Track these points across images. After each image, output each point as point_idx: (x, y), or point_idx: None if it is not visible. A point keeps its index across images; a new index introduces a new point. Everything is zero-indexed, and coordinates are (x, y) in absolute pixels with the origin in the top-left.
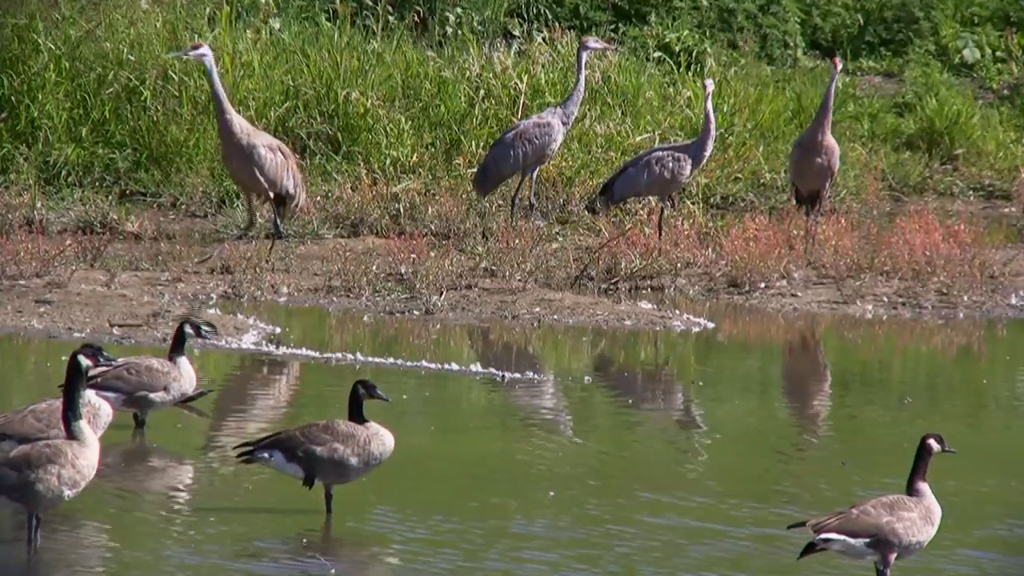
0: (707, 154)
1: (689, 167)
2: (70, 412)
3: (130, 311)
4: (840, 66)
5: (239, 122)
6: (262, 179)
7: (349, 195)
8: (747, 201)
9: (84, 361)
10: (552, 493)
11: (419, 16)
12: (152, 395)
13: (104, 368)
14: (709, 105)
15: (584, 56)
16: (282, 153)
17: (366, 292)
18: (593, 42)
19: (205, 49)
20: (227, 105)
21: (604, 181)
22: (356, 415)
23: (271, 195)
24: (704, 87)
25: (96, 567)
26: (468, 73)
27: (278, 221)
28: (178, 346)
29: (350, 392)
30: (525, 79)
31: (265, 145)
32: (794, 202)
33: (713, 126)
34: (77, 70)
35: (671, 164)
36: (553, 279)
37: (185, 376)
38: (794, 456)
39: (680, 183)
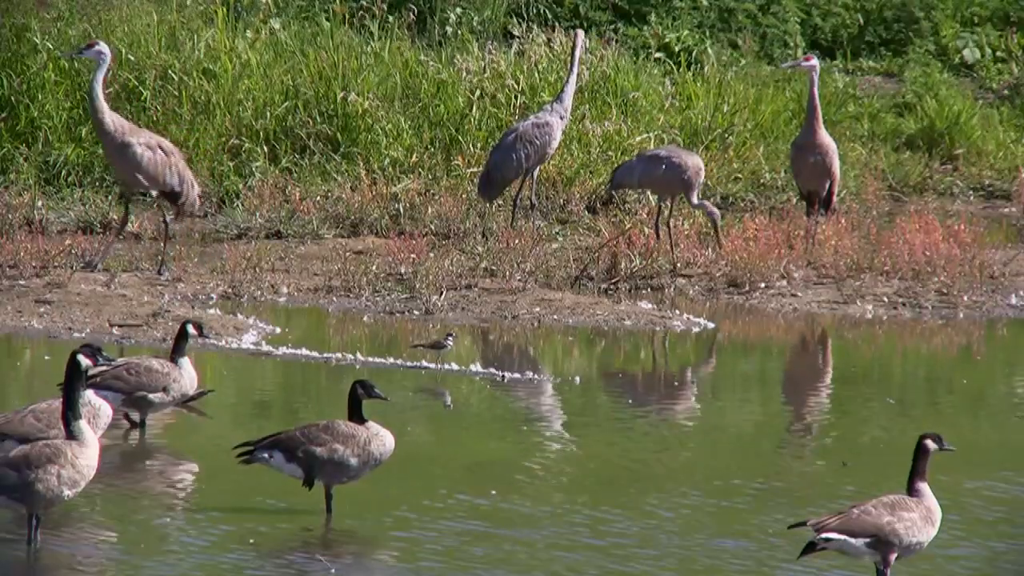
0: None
1: (681, 176)
2: (70, 412)
3: (130, 311)
4: (810, 62)
5: (112, 119)
6: (141, 177)
7: (349, 195)
8: (747, 201)
9: (84, 361)
10: (493, 492)
11: (414, 15)
12: (152, 395)
13: (103, 368)
14: (695, 201)
15: (579, 45)
16: (163, 150)
17: (366, 292)
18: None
19: (102, 46)
20: (101, 103)
21: (613, 170)
22: (355, 415)
23: (154, 193)
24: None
25: (96, 567)
26: (466, 73)
27: (168, 219)
28: (180, 346)
29: (349, 392)
30: (523, 79)
31: (142, 143)
32: (796, 200)
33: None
34: (76, 70)
35: (665, 165)
36: (553, 279)
37: (186, 377)
38: (794, 456)
39: (671, 184)
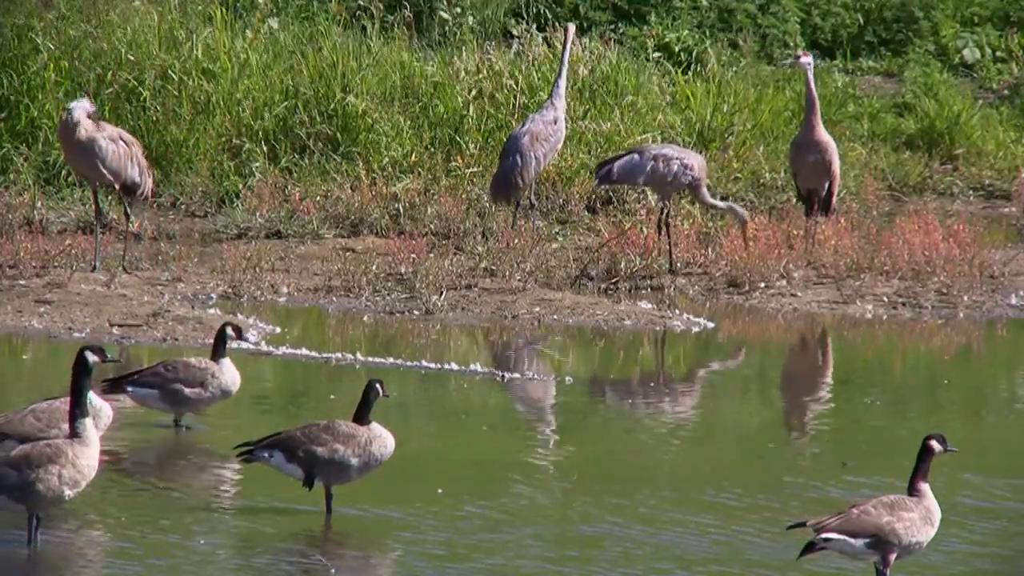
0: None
1: (690, 175)
2: (77, 409)
3: (130, 311)
4: (806, 58)
5: (82, 128)
6: (105, 171)
7: (349, 195)
8: (747, 201)
9: (91, 358)
10: (440, 491)
11: (412, 14)
12: (187, 390)
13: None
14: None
15: (569, 39)
16: (124, 141)
17: (366, 292)
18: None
19: (89, 100)
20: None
21: (604, 160)
22: (363, 415)
23: (116, 186)
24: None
25: (96, 567)
26: (464, 74)
27: (128, 211)
28: (219, 347)
29: (364, 389)
30: (522, 79)
31: (106, 136)
32: (795, 200)
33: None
34: (76, 70)
35: (675, 165)
36: (553, 279)
37: (227, 374)
38: (794, 456)
39: (678, 186)
